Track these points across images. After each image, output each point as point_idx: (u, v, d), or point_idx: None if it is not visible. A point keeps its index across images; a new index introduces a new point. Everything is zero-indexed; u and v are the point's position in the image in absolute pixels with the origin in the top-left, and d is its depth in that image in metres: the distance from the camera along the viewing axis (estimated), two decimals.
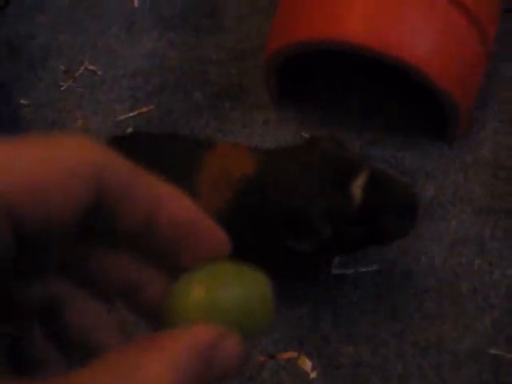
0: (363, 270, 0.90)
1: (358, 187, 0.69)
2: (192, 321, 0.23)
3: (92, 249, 0.25)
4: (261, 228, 0.76)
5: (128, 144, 0.86)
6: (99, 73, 1.10)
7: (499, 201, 0.91)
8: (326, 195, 0.70)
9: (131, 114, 1.05)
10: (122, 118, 1.05)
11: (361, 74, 1.01)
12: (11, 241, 0.20)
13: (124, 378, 0.19)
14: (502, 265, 0.88)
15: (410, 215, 0.73)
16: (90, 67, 1.11)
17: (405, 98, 0.99)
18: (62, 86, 1.10)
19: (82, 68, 1.11)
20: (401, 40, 0.84)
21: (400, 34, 0.84)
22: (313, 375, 0.86)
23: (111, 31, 1.13)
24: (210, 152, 0.80)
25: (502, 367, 0.83)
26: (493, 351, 0.84)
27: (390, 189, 0.71)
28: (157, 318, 0.25)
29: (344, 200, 0.70)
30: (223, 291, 0.24)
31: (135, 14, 1.14)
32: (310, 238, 0.72)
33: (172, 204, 0.23)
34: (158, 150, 0.83)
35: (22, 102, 1.07)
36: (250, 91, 1.04)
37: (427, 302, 0.87)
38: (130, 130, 1.04)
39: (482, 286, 0.88)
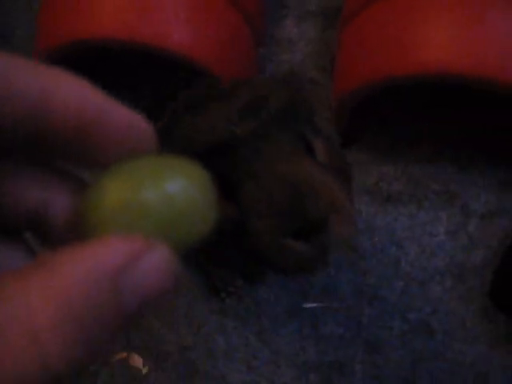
0: None
1: None
2: (106, 233, 0.17)
3: None
4: None
5: None
6: None
7: None
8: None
9: None
10: None
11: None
12: None
13: None
14: None
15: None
16: None
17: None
18: None
19: None
20: (155, 29, 0.80)
21: (153, 24, 0.80)
22: (145, 370, 0.82)
23: None
24: None
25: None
26: (309, 305, 0.81)
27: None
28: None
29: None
30: (146, 190, 0.18)
31: None
32: None
33: (69, 92, 0.17)
34: None
35: None
36: None
37: None
38: None
39: None
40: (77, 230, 0.19)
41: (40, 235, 0.20)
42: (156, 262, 0.16)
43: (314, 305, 0.81)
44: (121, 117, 0.18)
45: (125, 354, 0.83)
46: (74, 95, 0.17)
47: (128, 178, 0.18)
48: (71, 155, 0.19)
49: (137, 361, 0.83)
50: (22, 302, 0.14)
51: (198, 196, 0.19)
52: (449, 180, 0.85)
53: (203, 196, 0.19)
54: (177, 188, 0.18)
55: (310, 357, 0.79)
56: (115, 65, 0.99)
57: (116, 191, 0.18)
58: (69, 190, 0.19)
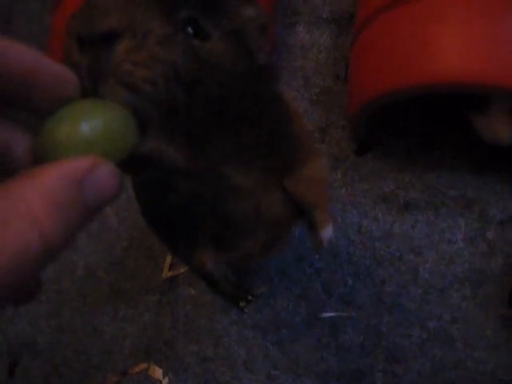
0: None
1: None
2: (62, 157, 0.23)
3: None
4: None
5: None
6: None
7: None
8: None
9: None
10: None
11: None
12: None
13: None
14: None
15: None
16: None
17: None
18: None
19: None
20: None
21: None
22: (165, 381, 0.82)
23: None
24: None
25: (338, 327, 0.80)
26: (327, 314, 0.81)
27: None
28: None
29: None
30: (85, 124, 0.25)
31: None
32: None
33: (17, 54, 0.23)
34: None
35: None
36: None
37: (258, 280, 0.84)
38: None
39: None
40: (37, 160, 0.24)
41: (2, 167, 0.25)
42: (105, 172, 0.23)
43: (333, 314, 0.81)
44: (53, 69, 0.25)
45: (145, 366, 0.83)
46: (23, 58, 0.23)
47: (70, 117, 0.25)
48: (21, 104, 0.25)
49: (157, 372, 0.82)
50: (20, 199, 0.20)
51: (121, 125, 0.27)
52: (466, 186, 0.84)
53: (124, 125, 0.27)
54: (106, 120, 0.26)
55: (329, 366, 0.79)
56: None
57: (63, 127, 0.24)
58: (24, 132, 0.26)
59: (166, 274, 0.86)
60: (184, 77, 0.34)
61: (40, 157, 0.24)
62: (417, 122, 0.89)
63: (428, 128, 0.88)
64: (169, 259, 0.87)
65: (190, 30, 0.35)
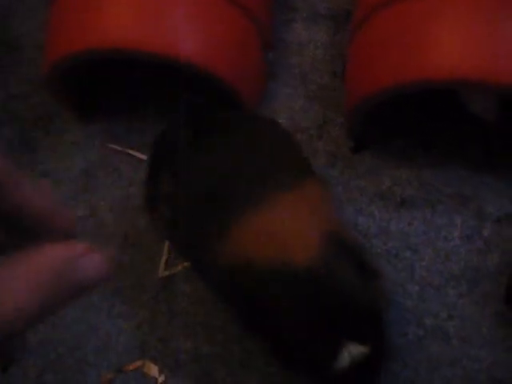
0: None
1: None
2: None
3: None
4: None
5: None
6: None
7: None
8: None
9: None
10: None
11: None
12: None
13: None
14: None
15: None
16: None
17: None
18: None
19: None
20: (166, 38, 0.79)
21: (164, 33, 0.79)
22: (161, 379, 0.81)
23: None
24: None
25: None
26: None
27: None
28: None
29: None
30: None
31: None
32: None
33: (33, 195, 0.26)
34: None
35: None
36: (56, 117, 0.98)
37: None
38: None
39: None
40: None
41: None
42: (93, 260, 0.25)
43: None
44: (62, 214, 0.27)
45: (140, 363, 0.82)
46: (39, 200, 0.26)
47: None
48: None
49: (152, 369, 0.82)
50: (9, 276, 0.22)
51: None
52: (462, 184, 0.84)
53: None
54: None
55: None
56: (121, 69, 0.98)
57: None
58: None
59: (162, 273, 0.85)
60: None
61: None
62: (413, 119, 0.89)
63: (424, 126, 0.88)
64: (164, 258, 0.86)
65: None
